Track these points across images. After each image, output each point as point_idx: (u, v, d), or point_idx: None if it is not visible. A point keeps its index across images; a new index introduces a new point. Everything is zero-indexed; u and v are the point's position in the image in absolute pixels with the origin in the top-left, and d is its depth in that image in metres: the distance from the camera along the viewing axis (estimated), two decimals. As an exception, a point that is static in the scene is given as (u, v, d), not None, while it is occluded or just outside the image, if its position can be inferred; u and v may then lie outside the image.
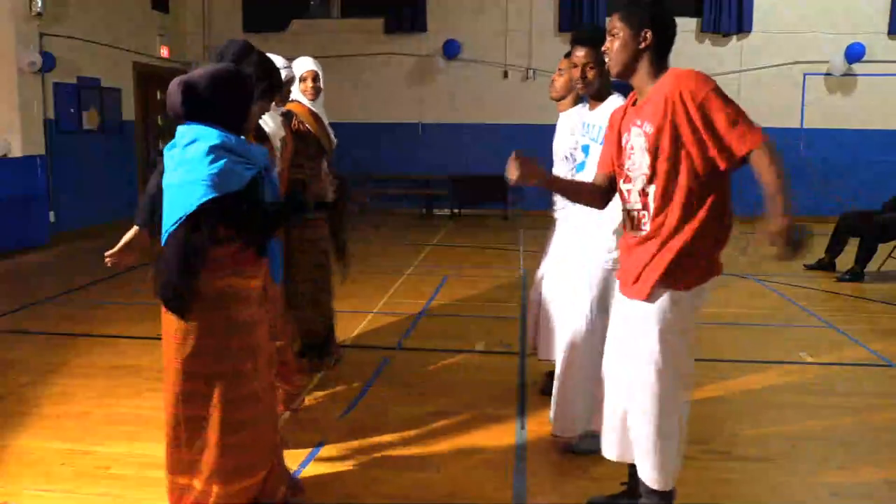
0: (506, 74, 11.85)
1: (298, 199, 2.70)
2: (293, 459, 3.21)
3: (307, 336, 4.26)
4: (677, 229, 2.34)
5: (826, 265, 7.48)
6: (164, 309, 2.49)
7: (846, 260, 7.28)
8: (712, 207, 2.33)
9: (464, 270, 7.58)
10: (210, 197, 2.31)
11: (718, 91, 2.26)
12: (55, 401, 3.93)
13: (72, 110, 9.37)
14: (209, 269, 2.42)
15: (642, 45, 2.36)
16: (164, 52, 11.41)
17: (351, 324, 5.06)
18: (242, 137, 2.51)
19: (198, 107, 2.42)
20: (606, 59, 2.48)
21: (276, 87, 3.21)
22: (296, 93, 4.12)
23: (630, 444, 2.54)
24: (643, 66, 2.40)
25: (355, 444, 3.40)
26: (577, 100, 3.75)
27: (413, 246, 9.07)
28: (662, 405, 2.42)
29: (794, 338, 5.25)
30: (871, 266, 7.18)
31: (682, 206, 2.33)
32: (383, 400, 3.96)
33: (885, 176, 10.55)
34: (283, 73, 3.52)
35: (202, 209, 2.32)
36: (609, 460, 2.96)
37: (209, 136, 2.40)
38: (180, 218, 2.35)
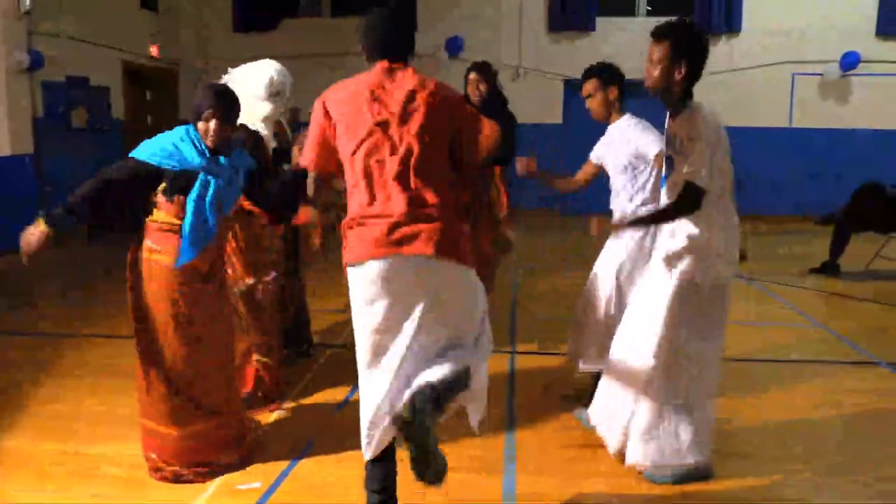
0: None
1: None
2: (286, 456, 3.22)
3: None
4: None
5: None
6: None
7: (852, 259, 7.29)
8: None
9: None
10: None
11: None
12: (48, 401, 3.91)
13: (60, 109, 9.31)
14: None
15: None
16: (154, 51, 11.34)
17: (348, 321, 5.03)
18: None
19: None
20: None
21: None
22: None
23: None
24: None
25: (347, 441, 3.39)
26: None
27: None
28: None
29: (784, 337, 5.27)
30: (859, 265, 7.23)
31: None
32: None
33: (874, 175, 10.57)
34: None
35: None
36: (591, 459, 3.22)
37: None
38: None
